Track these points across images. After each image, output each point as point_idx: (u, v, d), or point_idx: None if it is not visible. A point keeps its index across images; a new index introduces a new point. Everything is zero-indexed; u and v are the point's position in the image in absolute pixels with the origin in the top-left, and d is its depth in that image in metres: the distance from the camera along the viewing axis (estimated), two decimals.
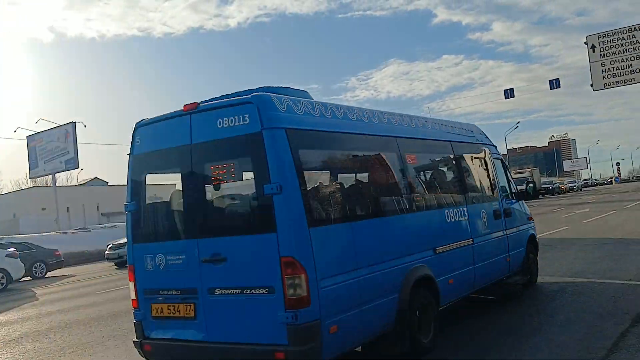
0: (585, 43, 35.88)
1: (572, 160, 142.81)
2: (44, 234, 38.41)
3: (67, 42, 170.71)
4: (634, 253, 11.54)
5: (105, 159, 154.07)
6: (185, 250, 5.18)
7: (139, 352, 5.61)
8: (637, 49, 33.99)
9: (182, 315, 5.20)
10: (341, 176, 5.82)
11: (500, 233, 8.02)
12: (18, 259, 19.55)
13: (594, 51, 35.42)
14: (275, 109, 4.87)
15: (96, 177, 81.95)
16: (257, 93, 4.99)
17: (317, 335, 4.60)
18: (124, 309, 11.09)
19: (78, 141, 45.90)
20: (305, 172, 4.91)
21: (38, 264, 22.85)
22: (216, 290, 4.97)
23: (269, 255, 4.63)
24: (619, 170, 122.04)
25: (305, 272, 4.56)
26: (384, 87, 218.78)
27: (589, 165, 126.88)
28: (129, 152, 5.83)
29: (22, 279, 20.52)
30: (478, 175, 8.16)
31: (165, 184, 6.61)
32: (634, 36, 34.04)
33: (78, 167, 49.73)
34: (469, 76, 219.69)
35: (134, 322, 5.62)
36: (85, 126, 64.32)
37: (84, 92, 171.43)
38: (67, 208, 56.97)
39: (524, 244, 8.84)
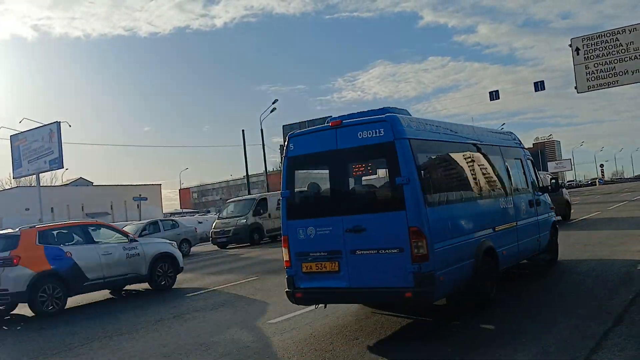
0: (570, 45, 36.18)
1: (557, 162, 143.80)
2: None
3: (51, 41, 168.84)
4: (618, 254, 11.65)
5: (90, 159, 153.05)
6: (332, 223, 7.11)
7: (290, 299, 7.52)
8: (620, 51, 34.32)
9: (327, 270, 7.13)
10: (441, 172, 7.92)
11: (534, 219, 10.04)
12: None
13: (578, 54, 35.72)
14: (401, 125, 6.88)
15: (81, 177, 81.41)
16: (388, 114, 7.11)
17: (432, 281, 6.52)
18: (107, 309, 11.05)
19: (63, 141, 45.55)
20: (420, 169, 6.85)
21: None
22: (357, 251, 6.90)
23: (399, 226, 6.57)
24: (602, 171, 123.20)
25: (425, 237, 6.50)
26: (371, 88, 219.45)
27: (573, 166, 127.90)
28: (283, 154, 7.82)
29: None
30: (518, 172, 10.21)
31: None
32: (617, 39, 34.35)
33: (62, 167, 49.27)
34: (454, 78, 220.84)
35: (286, 277, 7.53)
36: (70, 126, 63.85)
37: (69, 92, 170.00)
38: (52, 208, 56.54)
39: (549, 228, 10.86)
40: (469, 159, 8.42)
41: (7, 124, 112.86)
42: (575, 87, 36.37)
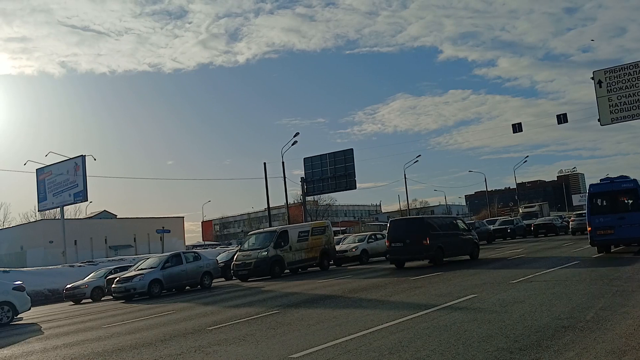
0: (592, 78, 36.08)
1: (581, 195, 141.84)
2: (50, 267, 38.38)
3: (77, 77, 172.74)
4: None
5: (114, 192, 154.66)
6: (610, 217, 20.08)
7: (591, 245, 20.90)
8: None
9: (608, 233, 20.12)
10: None
11: None
12: (25, 292, 19.49)
13: (600, 86, 35.63)
14: (638, 183, 20.43)
15: (105, 210, 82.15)
16: (632, 178, 20.91)
17: None
18: (129, 343, 11.03)
19: (87, 174, 46.18)
20: None
21: None
22: (622, 225, 19.75)
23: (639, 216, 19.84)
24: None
25: None
26: (391, 121, 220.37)
27: None
28: (587, 192, 22.17)
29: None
30: None
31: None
32: None
33: (87, 200, 49.92)
34: (476, 110, 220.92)
35: (589, 235, 20.68)
36: (95, 159, 64.58)
37: (94, 126, 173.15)
38: (75, 241, 57.10)
39: None
40: None
41: (33, 157, 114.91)
42: (599, 120, 36.18)
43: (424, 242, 22.33)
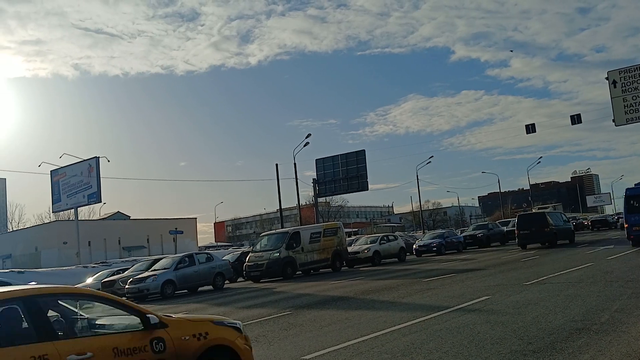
0: (607, 78, 35.78)
1: (596, 196, 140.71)
2: (64, 268, 38.65)
3: (91, 80, 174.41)
4: None
5: (127, 194, 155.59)
6: None
7: (628, 240, 25.07)
8: None
9: None
10: None
11: None
12: None
13: (615, 87, 35.33)
14: None
15: (118, 211, 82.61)
16: None
17: None
18: None
19: (101, 175, 46.41)
20: None
21: None
22: None
23: None
24: None
25: None
26: (403, 122, 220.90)
27: (612, 200, 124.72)
28: (624, 194, 26.51)
29: None
30: None
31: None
32: None
33: (101, 202, 50.12)
34: (488, 111, 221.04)
35: (626, 231, 25.29)
36: (109, 161, 65.10)
37: (108, 128, 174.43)
38: (89, 242, 57.39)
39: None
40: None
41: (48, 159, 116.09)
42: (613, 120, 35.87)
43: (545, 229, 30.93)
